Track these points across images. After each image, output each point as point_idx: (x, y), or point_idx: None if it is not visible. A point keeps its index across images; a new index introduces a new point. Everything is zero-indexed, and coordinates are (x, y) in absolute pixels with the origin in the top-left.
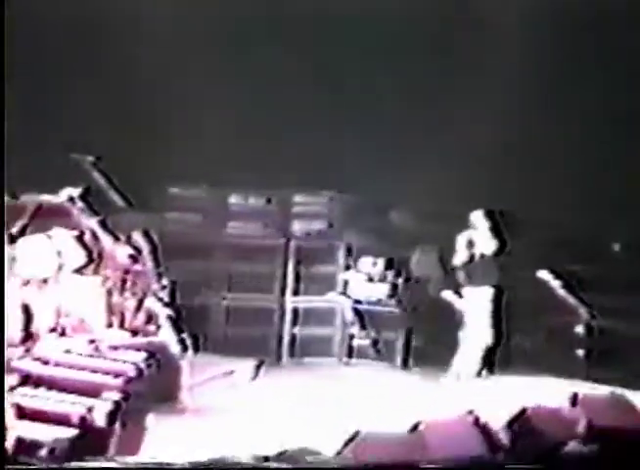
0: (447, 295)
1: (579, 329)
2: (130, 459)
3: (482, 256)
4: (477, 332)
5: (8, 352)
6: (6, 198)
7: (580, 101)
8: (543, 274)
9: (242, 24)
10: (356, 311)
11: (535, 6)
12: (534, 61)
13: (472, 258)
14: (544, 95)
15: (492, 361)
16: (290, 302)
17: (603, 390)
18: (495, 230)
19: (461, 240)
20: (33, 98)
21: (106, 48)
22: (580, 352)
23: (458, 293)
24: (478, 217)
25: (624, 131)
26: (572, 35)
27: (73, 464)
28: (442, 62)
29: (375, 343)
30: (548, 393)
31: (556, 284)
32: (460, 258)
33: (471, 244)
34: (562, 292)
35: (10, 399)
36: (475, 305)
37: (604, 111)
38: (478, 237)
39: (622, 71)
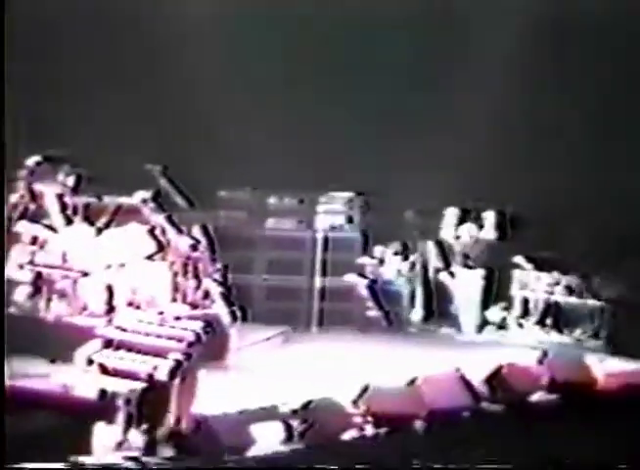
0: (443, 276)
1: (547, 302)
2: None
3: (478, 240)
4: (471, 304)
5: (94, 322)
6: (93, 199)
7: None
8: (518, 259)
9: (283, 33)
10: (371, 289)
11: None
12: (535, 63)
13: (473, 242)
14: (536, 102)
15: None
16: (317, 281)
17: (564, 351)
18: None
19: (463, 228)
20: (112, 117)
21: (167, 69)
22: (548, 321)
23: (451, 274)
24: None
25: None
26: (574, 34)
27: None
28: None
29: (387, 314)
30: (519, 353)
31: (528, 266)
32: (460, 242)
33: (470, 232)
34: (533, 273)
35: (96, 359)
36: (468, 283)
37: (602, 111)
38: (482, 227)
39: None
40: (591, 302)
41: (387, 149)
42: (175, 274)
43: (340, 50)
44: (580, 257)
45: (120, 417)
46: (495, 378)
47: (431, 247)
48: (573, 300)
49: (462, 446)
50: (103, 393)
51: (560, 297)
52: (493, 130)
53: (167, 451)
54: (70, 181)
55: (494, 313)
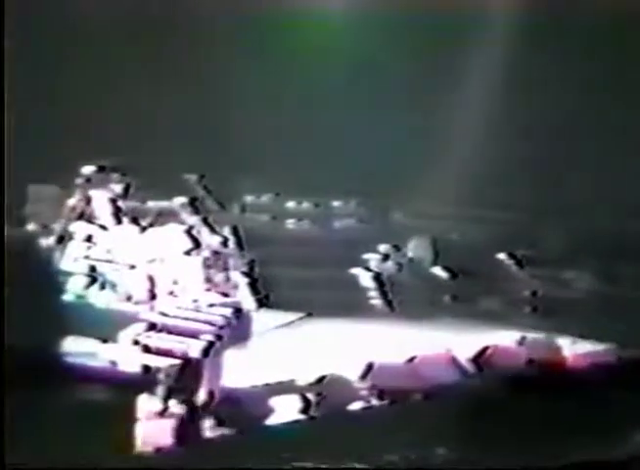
0: (436, 269)
1: (527, 293)
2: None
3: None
4: None
5: (138, 308)
6: (139, 203)
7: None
8: (501, 256)
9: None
10: (376, 280)
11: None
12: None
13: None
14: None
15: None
16: (329, 273)
17: (541, 335)
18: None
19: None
20: (152, 130)
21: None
22: (528, 309)
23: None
24: None
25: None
26: (584, 31)
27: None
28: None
29: (389, 303)
30: (503, 337)
31: (510, 262)
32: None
33: None
34: (514, 268)
35: (140, 340)
36: None
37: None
38: None
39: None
40: (567, 293)
41: (393, 162)
42: (209, 267)
43: (358, 60)
44: (559, 254)
45: (161, 389)
46: (481, 357)
47: (427, 244)
48: (552, 291)
49: (453, 414)
50: (146, 368)
51: (540, 289)
52: (495, 134)
53: (207, 420)
54: (120, 188)
55: None
